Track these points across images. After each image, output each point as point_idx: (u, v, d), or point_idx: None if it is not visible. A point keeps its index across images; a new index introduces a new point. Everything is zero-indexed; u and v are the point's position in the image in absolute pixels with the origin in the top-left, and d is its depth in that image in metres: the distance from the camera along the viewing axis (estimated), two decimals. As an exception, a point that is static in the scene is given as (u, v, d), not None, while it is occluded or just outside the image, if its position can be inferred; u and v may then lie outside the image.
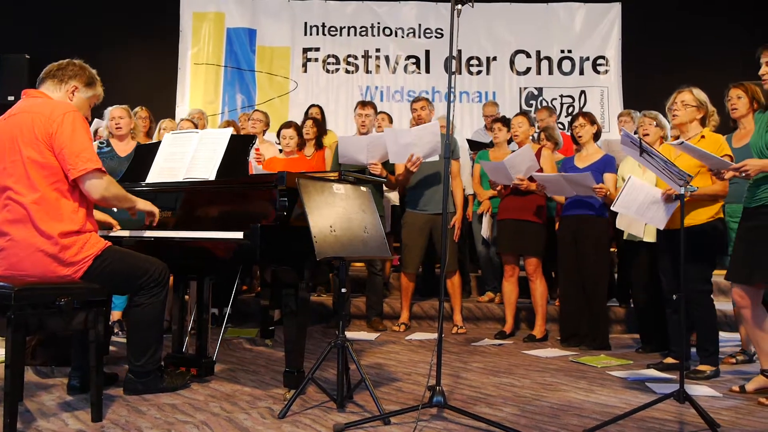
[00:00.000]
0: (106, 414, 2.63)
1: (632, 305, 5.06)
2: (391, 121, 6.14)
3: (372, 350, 4.26)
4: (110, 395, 2.89)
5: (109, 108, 4.71)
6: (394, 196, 5.75)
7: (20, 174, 2.59)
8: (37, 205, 2.57)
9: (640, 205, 3.56)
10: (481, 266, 5.82)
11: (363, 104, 5.16)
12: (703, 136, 3.57)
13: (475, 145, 5.90)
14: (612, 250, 5.17)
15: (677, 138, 3.75)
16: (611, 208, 3.78)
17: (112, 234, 3.07)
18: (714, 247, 3.61)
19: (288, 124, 5.22)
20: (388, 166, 4.86)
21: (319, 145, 5.50)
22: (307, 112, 6.25)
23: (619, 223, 4.24)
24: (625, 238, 4.32)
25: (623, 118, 5.82)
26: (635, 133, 4.52)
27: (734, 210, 3.80)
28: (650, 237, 4.07)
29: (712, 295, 3.64)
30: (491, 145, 5.42)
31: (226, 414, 2.71)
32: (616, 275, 5.33)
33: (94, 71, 2.91)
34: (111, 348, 3.94)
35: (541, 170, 4.65)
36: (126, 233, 3.09)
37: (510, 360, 4.07)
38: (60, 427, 2.50)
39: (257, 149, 5.23)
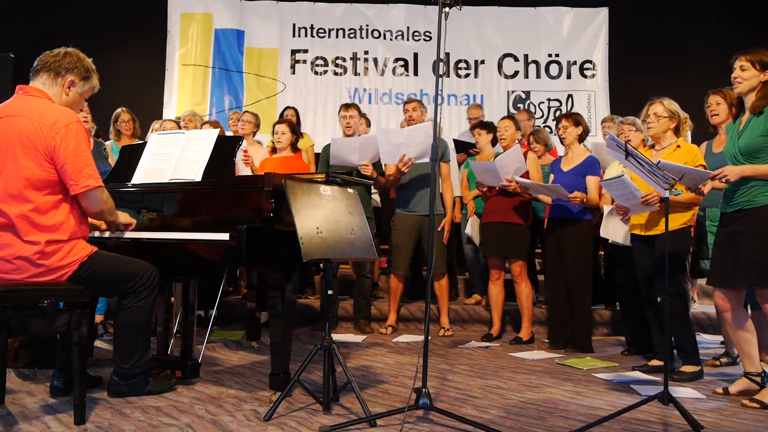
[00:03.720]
0: (89, 417, 2.60)
1: (618, 308, 5.09)
2: (369, 124, 6.14)
3: (359, 352, 4.25)
4: (94, 398, 2.86)
5: None
6: (376, 198, 5.74)
7: (13, 183, 2.54)
8: (23, 218, 2.53)
9: (623, 194, 3.63)
10: (468, 268, 5.82)
11: (347, 106, 5.17)
12: (678, 146, 3.66)
13: (461, 146, 5.92)
14: (600, 252, 5.20)
15: (653, 146, 3.83)
16: (599, 182, 3.85)
17: (96, 235, 3.04)
18: (684, 253, 3.71)
19: (282, 121, 5.22)
20: (378, 167, 4.87)
21: (295, 148, 5.48)
22: (282, 114, 6.23)
23: (604, 231, 4.26)
24: (609, 242, 4.34)
25: (606, 123, 5.87)
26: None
27: (714, 214, 3.85)
28: None
29: (684, 297, 3.70)
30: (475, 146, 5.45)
31: (211, 416, 2.69)
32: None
33: (89, 61, 2.84)
34: (94, 350, 3.91)
35: (526, 174, 4.67)
36: (111, 235, 3.06)
37: (496, 362, 4.08)
38: (42, 430, 2.47)
39: (245, 151, 5.21)
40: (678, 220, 3.64)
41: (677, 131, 3.75)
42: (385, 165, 4.96)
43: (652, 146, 3.85)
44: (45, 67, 2.73)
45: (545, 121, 8.22)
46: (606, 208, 4.27)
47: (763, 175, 2.96)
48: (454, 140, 6.14)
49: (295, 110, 6.25)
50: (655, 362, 3.82)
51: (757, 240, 2.97)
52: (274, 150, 5.37)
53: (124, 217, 2.99)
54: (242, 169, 4.93)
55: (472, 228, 5.32)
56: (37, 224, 2.54)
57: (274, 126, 5.22)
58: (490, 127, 5.11)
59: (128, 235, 3.04)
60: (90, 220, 2.97)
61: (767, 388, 3.09)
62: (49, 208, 2.58)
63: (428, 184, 4.83)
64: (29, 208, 2.54)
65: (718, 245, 3.20)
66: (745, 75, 3.06)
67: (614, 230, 4.19)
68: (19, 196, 2.53)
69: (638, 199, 3.59)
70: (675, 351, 3.78)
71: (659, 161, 3.05)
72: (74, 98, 2.78)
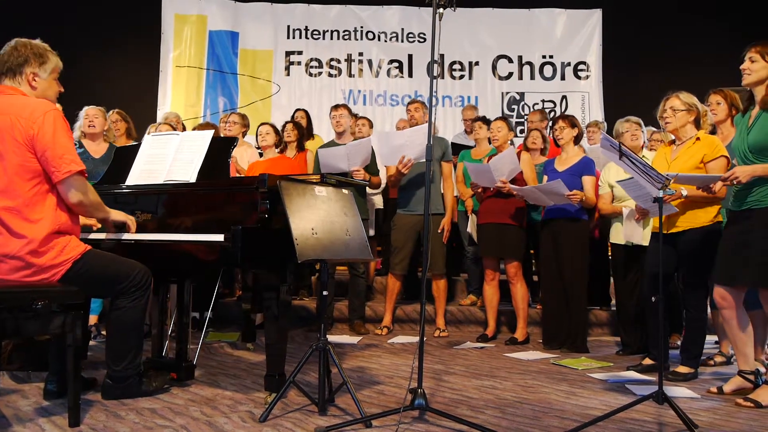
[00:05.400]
0: (83, 419, 2.59)
1: (613, 308, 5.10)
2: (371, 126, 6.15)
3: (354, 353, 4.25)
4: (88, 400, 2.85)
5: (86, 107, 4.68)
6: (378, 200, 5.75)
7: None
8: (10, 212, 2.52)
9: (641, 195, 3.59)
10: (468, 269, 5.82)
11: (336, 107, 5.20)
12: (698, 139, 3.59)
13: (458, 149, 5.93)
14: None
15: (673, 142, 3.78)
16: (617, 182, 3.82)
17: (91, 237, 3.03)
18: (712, 251, 3.54)
19: (264, 123, 5.28)
20: (369, 168, 4.87)
21: (301, 148, 5.50)
22: (293, 116, 6.24)
23: (625, 235, 4.24)
24: (624, 243, 4.32)
25: (591, 128, 5.90)
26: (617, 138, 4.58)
27: None
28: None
29: (706, 298, 3.66)
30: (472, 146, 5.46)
31: (206, 418, 2.68)
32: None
33: (37, 42, 2.75)
34: (89, 352, 3.89)
35: (521, 174, 4.68)
36: (105, 235, 3.05)
37: (492, 363, 4.08)
38: (36, 433, 2.46)
39: None
40: (704, 217, 3.53)
41: (697, 124, 3.66)
42: (386, 167, 4.96)
43: (673, 141, 3.78)
44: (3, 74, 2.70)
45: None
46: (625, 211, 4.26)
47: None
48: (452, 143, 6.15)
49: (306, 112, 6.25)
50: (648, 361, 3.83)
51: (763, 240, 2.96)
52: (283, 151, 5.42)
53: (117, 214, 2.94)
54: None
55: (471, 227, 5.31)
56: (25, 217, 2.54)
57: (258, 127, 5.24)
58: (490, 122, 5.14)
59: (123, 236, 3.03)
60: (83, 220, 2.96)
61: (761, 386, 3.10)
62: (36, 201, 2.57)
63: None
64: (17, 203, 2.53)
65: (724, 243, 3.17)
66: (754, 67, 3.02)
67: (630, 232, 4.19)
68: (8, 192, 2.53)
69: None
70: (678, 350, 3.78)
71: (677, 174, 3.02)
72: (43, 86, 2.74)
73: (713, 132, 4.03)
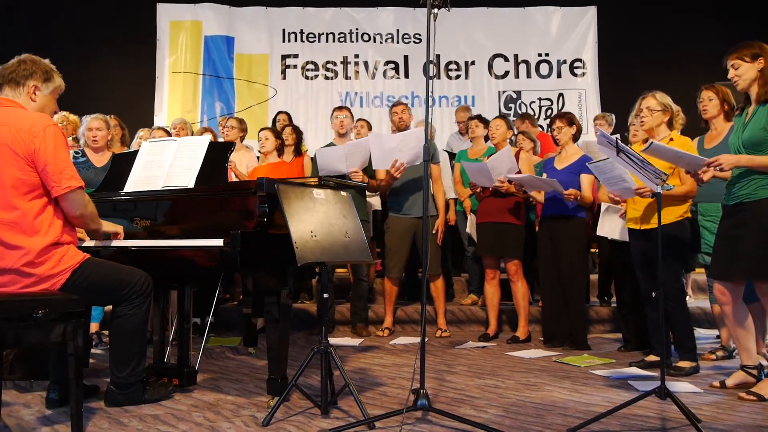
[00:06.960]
0: (86, 427, 2.59)
1: (613, 304, 5.10)
2: (370, 128, 6.16)
3: (356, 355, 4.25)
4: (91, 408, 2.84)
5: (87, 117, 4.63)
6: (375, 201, 5.75)
7: None
8: (6, 225, 2.52)
9: (611, 177, 3.60)
10: (468, 268, 5.83)
11: (340, 108, 5.23)
12: (671, 139, 3.66)
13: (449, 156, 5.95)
14: (593, 250, 5.21)
15: (646, 140, 3.81)
16: (588, 164, 3.85)
17: (90, 245, 3.03)
18: (683, 245, 3.69)
19: (264, 129, 5.29)
20: (368, 170, 4.87)
21: (298, 152, 5.51)
22: (275, 119, 6.25)
23: (600, 230, 4.27)
24: (609, 239, 4.35)
25: (598, 121, 5.90)
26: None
27: (706, 209, 3.86)
28: None
29: (684, 292, 3.71)
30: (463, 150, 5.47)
31: (209, 423, 2.68)
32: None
33: (47, 62, 2.80)
34: (91, 360, 3.89)
35: (519, 173, 4.68)
36: (104, 243, 3.05)
37: (494, 362, 4.08)
38: (39, 442, 2.46)
39: None
40: (674, 213, 3.62)
41: (670, 124, 3.74)
42: (376, 171, 4.96)
43: (646, 140, 3.83)
44: (4, 80, 2.72)
45: (537, 120, 8.24)
46: (603, 206, 4.29)
47: (760, 166, 2.96)
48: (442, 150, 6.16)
49: (288, 114, 6.26)
50: (651, 357, 3.84)
51: (757, 233, 2.97)
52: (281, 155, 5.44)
53: (108, 225, 2.97)
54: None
55: (471, 226, 5.32)
56: (24, 229, 2.53)
57: (258, 133, 5.25)
58: (487, 121, 5.15)
59: (123, 243, 3.03)
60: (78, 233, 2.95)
61: (764, 380, 3.10)
62: (36, 214, 2.57)
63: (420, 186, 4.83)
64: (15, 215, 2.53)
65: (719, 238, 3.19)
66: (740, 71, 3.08)
67: (611, 228, 4.21)
68: (5, 204, 2.53)
69: (626, 183, 3.57)
70: (672, 347, 3.80)
71: (652, 142, 3.06)
72: (43, 102, 2.76)
73: (701, 132, 4.06)
